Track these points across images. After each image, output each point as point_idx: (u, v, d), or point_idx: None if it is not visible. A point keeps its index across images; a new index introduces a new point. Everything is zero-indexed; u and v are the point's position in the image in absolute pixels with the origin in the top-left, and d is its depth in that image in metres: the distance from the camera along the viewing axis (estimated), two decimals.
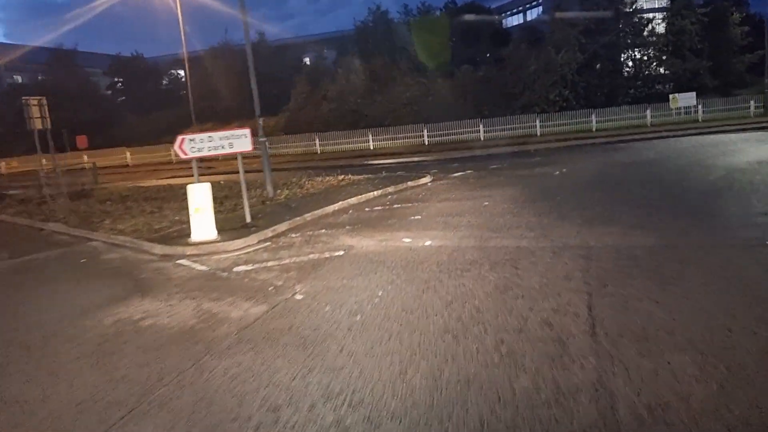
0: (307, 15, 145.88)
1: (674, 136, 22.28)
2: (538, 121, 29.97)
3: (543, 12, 52.62)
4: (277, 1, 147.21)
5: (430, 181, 14.30)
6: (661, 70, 35.74)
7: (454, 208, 10.18)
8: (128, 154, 39.33)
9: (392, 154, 27.37)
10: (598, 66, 34.25)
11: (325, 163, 25.55)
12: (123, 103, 59.16)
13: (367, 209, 10.94)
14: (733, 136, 20.25)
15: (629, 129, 28.23)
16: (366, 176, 15.82)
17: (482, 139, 30.22)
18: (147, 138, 42.31)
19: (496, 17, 56.58)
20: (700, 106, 29.57)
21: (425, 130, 30.92)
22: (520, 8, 60.94)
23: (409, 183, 13.71)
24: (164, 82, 61.15)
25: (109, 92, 61.48)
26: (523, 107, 32.41)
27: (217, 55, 46.83)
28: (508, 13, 62.84)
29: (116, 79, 60.24)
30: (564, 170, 14.42)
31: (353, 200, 11.66)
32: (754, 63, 34.47)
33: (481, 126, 30.39)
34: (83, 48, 69.51)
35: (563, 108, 31.88)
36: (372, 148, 31.81)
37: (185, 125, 43.27)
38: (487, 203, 10.46)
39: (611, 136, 25.60)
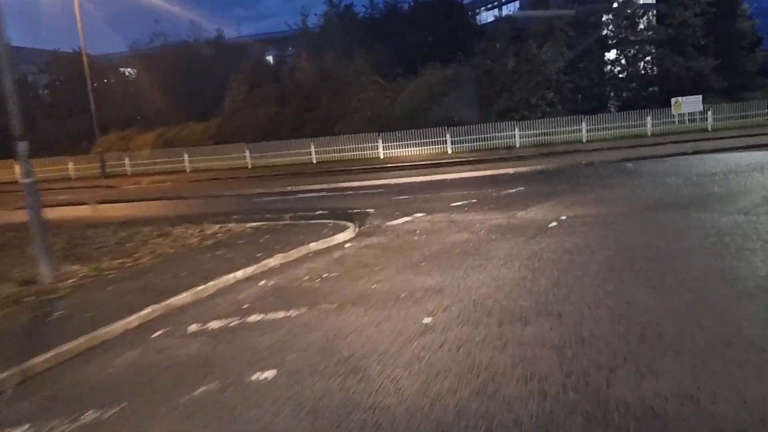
0: (285, 14, 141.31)
1: (692, 153, 17.60)
2: (517, 130, 25.18)
3: (521, 7, 48.28)
4: (252, 1, 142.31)
5: (349, 241, 9.12)
6: (656, 70, 31.38)
7: (359, 340, 5.01)
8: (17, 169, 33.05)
9: (337, 173, 22.21)
10: (583, 65, 29.65)
11: (247, 186, 20.28)
12: (57, 105, 52.55)
13: (190, 330, 5.67)
14: None
15: (627, 140, 23.64)
16: (259, 224, 10.58)
17: (449, 152, 25.28)
18: (59, 147, 36.13)
19: (470, 13, 52.02)
20: (709, 113, 25.16)
21: (380, 141, 25.83)
22: (495, 3, 56.64)
23: (313, 245, 8.51)
24: (108, 80, 54.90)
25: (46, 92, 54.99)
26: (500, 113, 27.60)
27: (142, 55, 41.27)
28: (483, 8, 58.46)
29: (54, 78, 53.86)
30: (564, 218, 9.44)
31: (185, 297, 6.40)
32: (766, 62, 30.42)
33: (448, 136, 25.43)
34: (22, 43, 62.61)
35: (546, 114, 27.19)
36: (315, 161, 26.62)
37: (103, 131, 37.37)
38: (428, 320, 5.33)
39: (608, 149, 20.89)
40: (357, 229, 9.69)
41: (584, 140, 24.77)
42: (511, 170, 17.13)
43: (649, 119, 25.05)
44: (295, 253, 8.04)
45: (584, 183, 13.61)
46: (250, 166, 27.56)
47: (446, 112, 27.71)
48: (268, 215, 11.71)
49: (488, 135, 25.45)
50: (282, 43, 48.70)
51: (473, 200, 12.22)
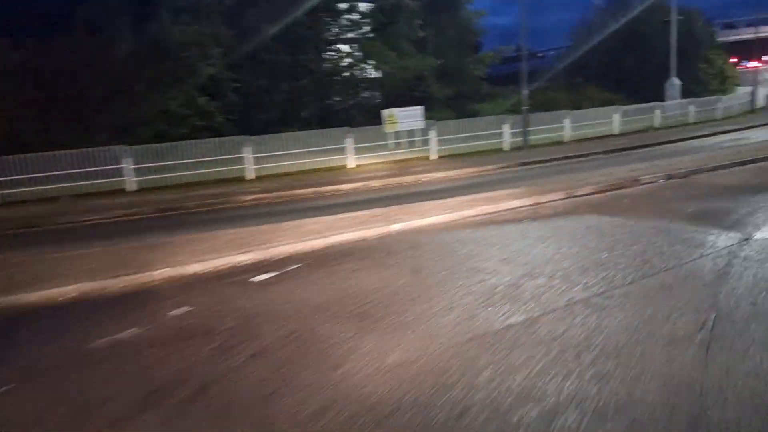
0: None
1: (428, 228, 9.60)
2: (129, 164, 15.04)
3: None
4: None
5: None
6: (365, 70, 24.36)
7: None
8: None
9: None
10: (263, 57, 21.04)
11: None
12: None
13: None
14: (547, 227, 8.36)
15: (319, 178, 15.47)
16: None
17: None
18: None
19: None
20: (432, 132, 18.60)
21: None
22: None
23: None
24: None
25: None
26: (115, 130, 17.18)
27: None
28: None
29: None
30: None
31: None
32: (495, 66, 25.82)
33: None
34: None
35: (198, 130, 17.72)
36: None
37: None
38: None
39: (282, 204, 12.24)
40: None
41: (250, 178, 15.95)
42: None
43: (349, 143, 17.31)
44: None
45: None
46: None
47: (14, 129, 16.24)
48: None
49: (87, 170, 14.82)
50: None
51: None
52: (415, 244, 7.93)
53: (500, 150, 19.58)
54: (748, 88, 34.02)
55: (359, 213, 9.95)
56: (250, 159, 15.85)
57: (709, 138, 21.14)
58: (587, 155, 17.90)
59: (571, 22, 38.47)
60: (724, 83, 35.19)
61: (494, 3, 70.30)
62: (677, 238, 7.50)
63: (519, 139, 19.73)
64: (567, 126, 21.39)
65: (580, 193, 10.92)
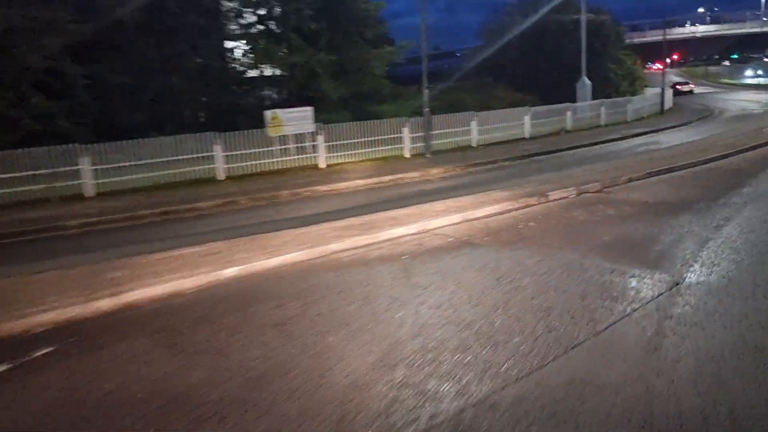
0: None
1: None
2: None
3: None
4: None
5: None
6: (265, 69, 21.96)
7: None
8: None
9: None
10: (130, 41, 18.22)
11: None
12: None
13: None
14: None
15: (175, 194, 13.01)
16: None
17: None
18: None
19: None
20: (320, 137, 16.51)
21: None
22: None
23: None
24: None
25: None
26: None
27: None
28: None
29: None
30: None
31: None
32: (398, 64, 24.04)
33: None
34: None
35: (36, 136, 14.78)
36: None
37: None
38: None
39: (122, 228, 9.77)
40: None
41: (89, 194, 13.24)
42: None
43: (218, 150, 14.88)
44: None
45: None
46: None
47: None
48: None
49: None
50: None
51: None
52: (244, 303, 5.79)
53: (401, 157, 17.78)
54: (657, 90, 34.24)
55: (193, 249, 7.70)
56: (89, 172, 13.11)
57: (621, 142, 20.35)
58: (495, 162, 16.46)
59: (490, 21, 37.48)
60: (633, 84, 35.34)
61: (414, 2, 69.28)
62: (592, 283, 5.81)
63: (422, 144, 18.01)
64: (474, 129, 19.92)
65: (479, 214, 9.15)
